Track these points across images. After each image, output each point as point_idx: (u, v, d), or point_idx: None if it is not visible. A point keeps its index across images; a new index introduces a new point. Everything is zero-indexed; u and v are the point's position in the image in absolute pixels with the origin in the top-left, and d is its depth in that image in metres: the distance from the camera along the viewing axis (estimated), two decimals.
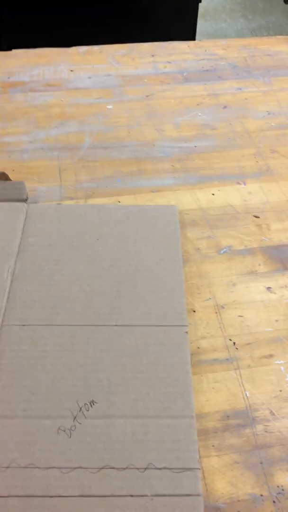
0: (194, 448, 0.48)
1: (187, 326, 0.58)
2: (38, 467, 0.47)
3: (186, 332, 0.58)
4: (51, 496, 0.45)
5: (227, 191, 0.77)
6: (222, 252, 0.68)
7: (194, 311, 0.61)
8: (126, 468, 0.47)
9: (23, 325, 0.59)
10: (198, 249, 0.68)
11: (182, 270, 0.65)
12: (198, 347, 0.57)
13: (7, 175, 0.74)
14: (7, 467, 0.47)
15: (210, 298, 0.62)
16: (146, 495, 0.45)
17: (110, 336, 0.58)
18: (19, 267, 0.65)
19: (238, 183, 0.78)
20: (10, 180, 0.76)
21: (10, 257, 0.66)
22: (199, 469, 0.47)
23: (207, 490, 0.47)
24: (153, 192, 0.76)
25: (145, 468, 0.47)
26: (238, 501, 0.46)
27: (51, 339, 0.58)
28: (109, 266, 0.65)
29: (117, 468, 0.47)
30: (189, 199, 0.76)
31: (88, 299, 0.61)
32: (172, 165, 0.81)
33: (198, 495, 0.45)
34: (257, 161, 0.82)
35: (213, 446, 0.49)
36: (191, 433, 0.49)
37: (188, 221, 0.72)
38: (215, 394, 0.53)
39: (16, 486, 0.46)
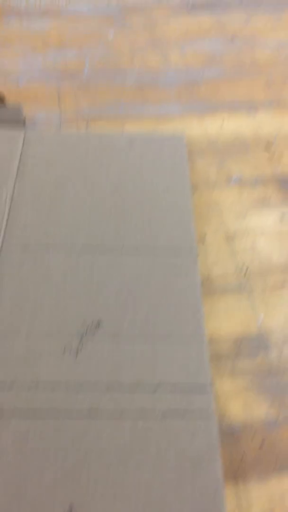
0: (206, 368, 0.46)
1: (196, 252, 0.55)
2: (44, 387, 0.44)
3: (196, 258, 0.55)
4: (57, 418, 0.43)
5: (237, 120, 0.72)
6: (232, 181, 0.64)
7: (204, 239, 0.58)
8: (136, 388, 0.44)
9: (24, 249, 0.55)
10: (208, 178, 0.65)
11: (191, 198, 0.61)
12: (209, 275, 0.54)
13: (2, 95, 0.69)
14: (12, 386, 0.44)
15: (220, 227, 0.59)
16: (157, 415, 0.43)
17: (115, 260, 0.54)
18: (17, 192, 0.61)
19: (249, 112, 0.74)
20: (5, 102, 0.71)
21: (8, 182, 0.62)
22: (211, 389, 0.44)
23: (220, 413, 0.44)
24: (158, 120, 0.71)
25: (155, 388, 0.44)
26: (253, 423, 0.44)
27: (54, 261, 0.54)
28: (112, 192, 0.61)
29: (126, 388, 0.44)
30: (197, 128, 0.71)
31: (92, 224, 0.57)
32: (178, 93, 0.76)
33: (211, 415, 0.43)
34: (268, 91, 0.77)
35: (226, 370, 0.47)
36: (203, 354, 0.47)
37: (196, 150, 0.68)
38: (226, 320, 0.51)
39: (21, 407, 0.43)
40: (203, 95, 0.75)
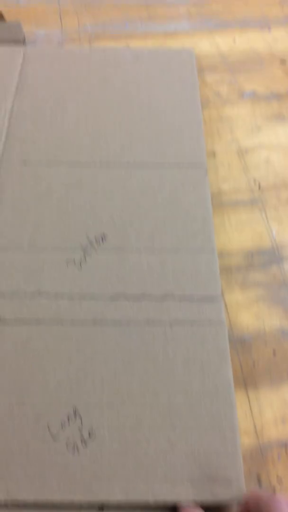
0: (216, 280, 0.44)
1: (205, 166, 0.52)
2: (47, 297, 0.42)
3: (206, 172, 0.51)
4: (61, 323, 0.41)
5: (249, 36, 0.68)
6: (245, 96, 0.60)
7: (214, 154, 0.54)
8: (142, 297, 0.42)
9: (25, 164, 0.52)
10: (218, 93, 0.61)
11: (201, 112, 0.57)
12: (219, 189, 0.51)
13: (0, 12, 0.65)
14: (13, 295, 0.42)
15: (232, 142, 0.56)
16: (165, 323, 0.41)
17: (121, 175, 0.51)
18: (17, 107, 0.58)
19: (262, 29, 0.69)
20: (5, 20, 0.66)
21: (7, 97, 0.58)
22: (221, 298, 0.42)
23: (230, 323, 0.42)
24: (165, 37, 0.67)
25: (163, 298, 0.42)
26: (265, 333, 0.42)
27: (56, 177, 0.51)
28: (118, 107, 0.58)
29: (132, 297, 0.42)
30: (207, 44, 0.67)
31: (96, 138, 0.54)
32: (187, 10, 0.71)
33: (221, 322, 0.41)
34: (282, 8, 0.72)
35: (236, 282, 0.45)
36: (213, 266, 0.45)
37: (206, 65, 0.64)
38: (238, 233, 0.48)
39: (23, 313, 0.41)
40: (214, 12, 0.70)
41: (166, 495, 0.34)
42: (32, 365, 0.39)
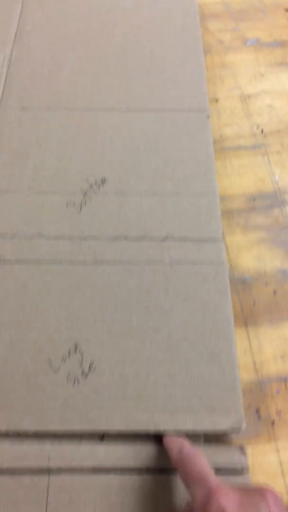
0: (217, 221, 0.43)
1: (207, 111, 0.51)
2: (47, 237, 0.42)
3: (208, 117, 0.50)
4: (61, 262, 0.40)
5: None
6: (248, 43, 0.59)
7: (217, 100, 0.53)
8: (143, 238, 0.42)
9: (24, 108, 0.51)
10: (221, 41, 0.59)
11: (203, 59, 0.56)
12: (222, 134, 0.50)
13: None
14: (13, 236, 0.42)
15: (235, 88, 0.54)
16: (166, 263, 0.40)
17: (121, 120, 0.51)
18: (16, 54, 0.57)
19: None
20: None
21: (6, 45, 0.57)
22: (222, 240, 0.41)
23: (231, 264, 0.42)
24: None
25: (164, 239, 0.42)
26: (266, 274, 0.41)
27: (55, 122, 0.51)
28: (118, 53, 0.56)
29: (133, 238, 0.42)
30: None
31: (95, 84, 0.53)
32: None
33: (221, 262, 0.41)
34: None
35: (237, 224, 0.44)
36: (214, 209, 0.44)
37: (208, 13, 0.62)
38: (240, 178, 0.47)
39: (24, 253, 0.41)
40: None
41: (166, 425, 0.34)
42: (32, 303, 0.39)
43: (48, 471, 0.33)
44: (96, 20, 0.60)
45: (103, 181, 0.46)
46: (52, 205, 0.44)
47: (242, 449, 0.33)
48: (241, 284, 0.41)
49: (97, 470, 0.33)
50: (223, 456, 0.33)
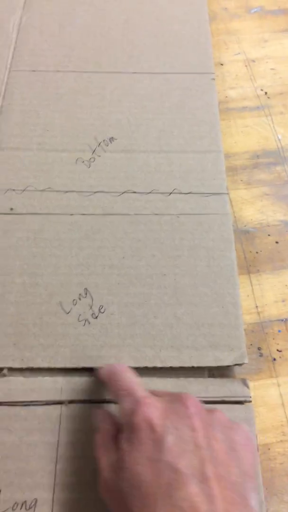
0: (222, 177, 0.45)
1: (213, 73, 0.52)
2: (56, 191, 0.43)
3: (213, 79, 0.52)
4: (71, 214, 0.42)
5: None
6: (252, 11, 0.60)
7: (221, 64, 0.54)
8: (150, 192, 0.43)
9: (33, 71, 0.53)
10: (226, 8, 0.60)
11: (208, 24, 0.57)
12: (226, 96, 0.52)
13: None
14: (23, 190, 0.43)
15: (239, 53, 0.56)
16: (172, 214, 0.42)
17: (128, 82, 0.52)
18: (25, 20, 0.58)
19: None
20: None
21: (15, 10, 0.58)
22: (227, 193, 0.43)
23: (235, 217, 0.44)
24: None
25: (170, 193, 0.43)
26: (268, 226, 0.43)
27: (64, 83, 0.52)
28: (125, 21, 0.58)
29: (140, 192, 0.43)
30: None
31: (103, 48, 0.55)
32: None
33: (226, 214, 0.42)
34: None
35: (241, 180, 0.46)
36: (219, 165, 0.46)
37: None
38: (244, 137, 0.49)
39: (34, 206, 0.43)
40: None
41: (172, 361, 0.36)
42: (44, 251, 0.40)
43: (60, 402, 0.34)
44: None
45: (111, 139, 0.47)
46: (61, 161, 0.46)
47: (244, 382, 0.35)
48: (244, 235, 0.43)
49: (105, 402, 0.34)
50: (227, 388, 0.35)
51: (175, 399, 0.28)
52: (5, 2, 0.60)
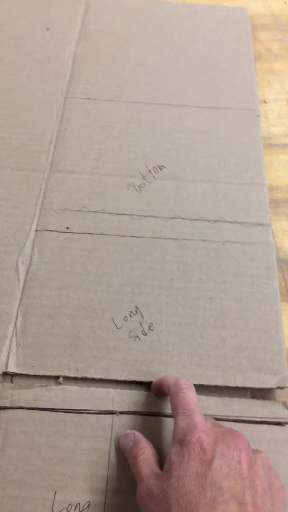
0: (265, 208, 0.48)
1: (258, 110, 0.55)
2: (109, 213, 0.46)
3: (258, 116, 0.55)
4: (122, 236, 0.45)
5: None
6: None
7: (265, 102, 0.58)
8: (197, 219, 0.46)
9: (87, 99, 0.56)
10: (269, 49, 0.64)
11: (254, 64, 0.61)
12: (269, 133, 0.55)
13: None
14: (79, 211, 0.46)
15: (282, 92, 0.59)
16: (218, 241, 0.45)
17: (178, 114, 0.55)
18: (80, 50, 0.62)
19: None
20: None
21: (71, 41, 0.62)
22: (269, 225, 0.46)
23: (277, 247, 0.46)
24: None
25: (216, 221, 0.46)
26: None
27: (117, 112, 0.55)
28: (175, 56, 0.61)
29: (188, 219, 0.46)
30: (259, 5, 0.70)
31: (155, 81, 0.58)
32: None
33: (269, 244, 0.45)
34: None
35: (283, 212, 0.48)
36: (262, 197, 0.48)
37: (258, 24, 0.67)
38: (286, 172, 0.52)
39: (89, 226, 0.46)
40: None
41: (217, 380, 0.38)
42: (97, 269, 0.43)
43: (112, 412, 0.37)
44: (155, 23, 0.65)
45: (161, 167, 0.51)
46: (114, 186, 0.49)
47: (285, 404, 0.37)
48: (285, 265, 0.45)
49: (154, 414, 0.37)
50: (268, 409, 0.37)
51: (227, 432, 0.30)
52: (61, 32, 0.64)
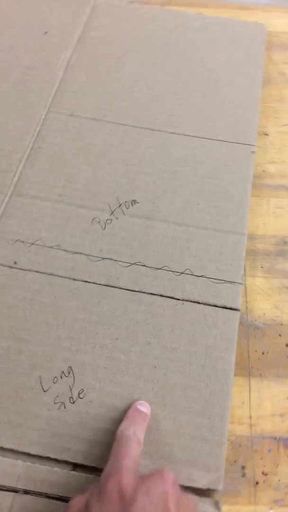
0: (240, 263, 0.42)
1: (254, 145, 0.49)
2: (65, 250, 0.41)
3: (253, 152, 0.49)
4: (74, 279, 0.40)
5: None
6: None
7: (266, 134, 0.51)
8: (161, 268, 0.41)
9: (71, 115, 0.51)
10: (283, 73, 0.57)
11: (260, 90, 0.54)
12: (264, 171, 0.49)
13: None
14: (32, 244, 0.42)
15: (287, 125, 0.52)
16: (177, 299, 0.39)
17: (164, 142, 0.50)
18: (75, 58, 0.57)
19: None
20: None
21: (68, 47, 0.57)
22: (241, 284, 0.40)
23: (246, 307, 0.40)
24: (240, 9, 0.63)
25: (181, 273, 0.40)
26: (281, 324, 0.39)
27: (99, 134, 0.50)
28: (176, 73, 0.55)
29: (150, 267, 0.41)
30: (282, 22, 0.63)
31: (146, 101, 0.53)
32: None
33: (235, 310, 0.39)
34: None
35: (261, 267, 0.42)
36: (239, 249, 0.42)
37: (276, 43, 0.60)
38: (274, 218, 0.45)
39: (39, 263, 0.41)
40: None
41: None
42: (37, 315, 0.39)
43: (14, 490, 0.32)
44: (161, 34, 0.60)
45: (133, 202, 0.45)
46: (77, 218, 0.44)
47: (217, 504, 0.32)
48: (253, 330, 0.39)
49: (63, 499, 0.32)
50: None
51: (155, 471, 0.28)
52: (59, 37, 0.59)
